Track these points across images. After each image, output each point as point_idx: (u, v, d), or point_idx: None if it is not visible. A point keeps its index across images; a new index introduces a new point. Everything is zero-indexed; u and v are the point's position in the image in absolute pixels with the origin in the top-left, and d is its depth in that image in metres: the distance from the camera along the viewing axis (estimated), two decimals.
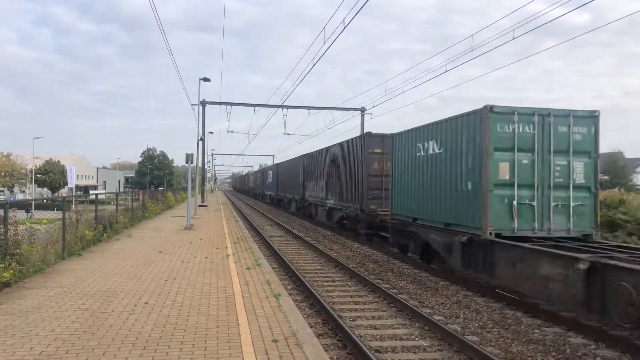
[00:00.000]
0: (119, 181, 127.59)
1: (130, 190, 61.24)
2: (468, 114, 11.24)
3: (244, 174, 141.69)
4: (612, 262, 7.67)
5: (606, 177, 54.61)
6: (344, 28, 14.40)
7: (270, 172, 54.01)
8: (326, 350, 6.60)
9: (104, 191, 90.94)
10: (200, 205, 37.23)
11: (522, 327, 8.57)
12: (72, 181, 67.65)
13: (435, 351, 7.38)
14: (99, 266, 11.30)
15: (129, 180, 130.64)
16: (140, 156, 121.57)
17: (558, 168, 10.64)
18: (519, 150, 10.47)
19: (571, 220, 10.64)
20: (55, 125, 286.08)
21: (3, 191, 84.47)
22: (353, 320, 8.87)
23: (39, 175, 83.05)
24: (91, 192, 72.65)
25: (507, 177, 10.41)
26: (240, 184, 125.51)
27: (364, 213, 19.84)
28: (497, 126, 10.42)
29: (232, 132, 47.39)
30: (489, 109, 10.41)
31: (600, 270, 7.65)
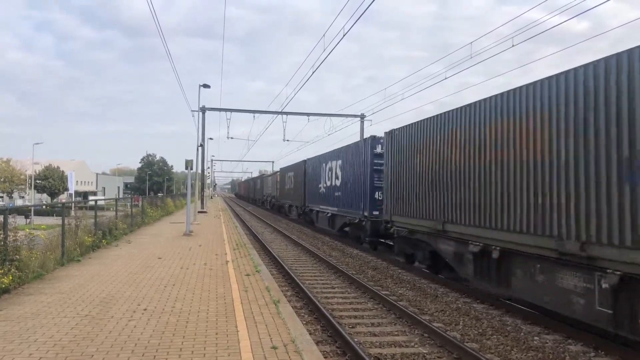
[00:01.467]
0: (119, 187, 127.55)
1: (129, 196, 61.23)
2: None
3: (243, 179, 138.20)
4: None
5: None
6: (344, 35, 14.46)
7: (332, 165, 24.94)
8: (325, 357, 6.59)
9: (103, 197, 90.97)
10: (199, 212, 37.20)
11: (522, 334, 8.56)
12: (72, 187, 67.63)
13: (434, 358, 7.37)
14: (98, 272, 11.28)
15: (129, 186, 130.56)
16: (140, 162, 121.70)
17: None
18: None
19: None
20: (55, 130, 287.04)
21: (2, 197, 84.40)
22: (352, 327, 8.86)
23: (38, 181, 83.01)
24: (90, 198, 72.67)
25: None
26: (247, 191, 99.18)
27: None
28: None
29: (231, 138, 47.81)
30: None
31: None
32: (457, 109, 11.52)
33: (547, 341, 8.17)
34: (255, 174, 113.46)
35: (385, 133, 16.31)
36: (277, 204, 48.47)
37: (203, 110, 40.65)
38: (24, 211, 46.57)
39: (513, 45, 15.01)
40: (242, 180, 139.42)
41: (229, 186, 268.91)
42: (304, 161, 32.73)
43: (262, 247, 20.29)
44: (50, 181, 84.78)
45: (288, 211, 41.35)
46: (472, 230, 10.62)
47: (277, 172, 48.14)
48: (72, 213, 17.85)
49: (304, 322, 8.64)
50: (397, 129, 15.13)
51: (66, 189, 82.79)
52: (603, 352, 7.63)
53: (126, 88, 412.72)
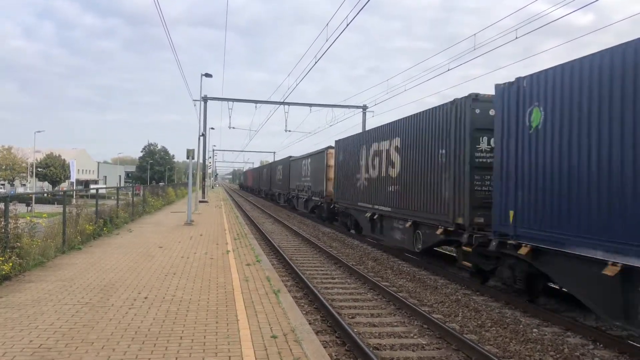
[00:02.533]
0: (120, 176, 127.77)
1: (130, 185, 60.78)
2: None
3: (245, 168, 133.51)
4: None
5: None
6: (347, 25, 14.32)
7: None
8: (325, 347, 6.61)
9: (104, 186, 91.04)
10: (200, 201, 37.26)
11: (521, 326, 8.57)
12: (73, 175, 67.71)
13: (433, 349, 7.39)
14: (99, 260, 11.31)
15: (130, 175, 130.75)
16: (141, 151, 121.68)
17: None
18: None
19: None
20: (56, 119, 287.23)
21: (4, 184, 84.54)
22: (352, 318, 8.88)
23: (39, 169, 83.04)
24: (92, 186, 72.75)
25: None
26: (258, 181, 73.40)
27: None
28: None
29: (233, 128, 47.88)
30: None
31: None
32: None
33: (546, 333, 8.19)
34: (257, 165, 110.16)
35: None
36: (329, 208, 27.18)
37: (205, 99, 40.54)
38: (25, 199, 46.72)
39: (517, 38, 14.82)
40: (250, 168, 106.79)
41: (230, 176, 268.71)
42: (453, 103, 12.36)
43: (262, 237, 20.32)
44: (52, 169, 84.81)
45: (374, 228, 18.87)
46: None
47: (325, 149, 28.26)
48: (74, 201, 17.89)
49: (304, 312, 8.67)
50: None
51: (67, 177, 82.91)
52: (602, 345, 7.65)
53: (128, 77, 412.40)
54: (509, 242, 9.76)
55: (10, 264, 8.91)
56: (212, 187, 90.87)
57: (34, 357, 5.26)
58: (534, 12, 62.02)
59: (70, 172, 71.59)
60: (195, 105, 39.07)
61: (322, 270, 13.55)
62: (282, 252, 15.68)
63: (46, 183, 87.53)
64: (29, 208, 47.06)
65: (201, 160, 40.14)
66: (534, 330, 8.39)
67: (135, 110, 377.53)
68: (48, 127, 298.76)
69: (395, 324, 8.64)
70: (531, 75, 9.32)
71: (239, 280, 9.55)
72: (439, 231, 12.80)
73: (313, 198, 31.11)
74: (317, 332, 7.41)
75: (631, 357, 7.17)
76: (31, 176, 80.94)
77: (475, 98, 11.55)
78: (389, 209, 16.69)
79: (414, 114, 15.05)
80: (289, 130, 44.95)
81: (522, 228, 9.39)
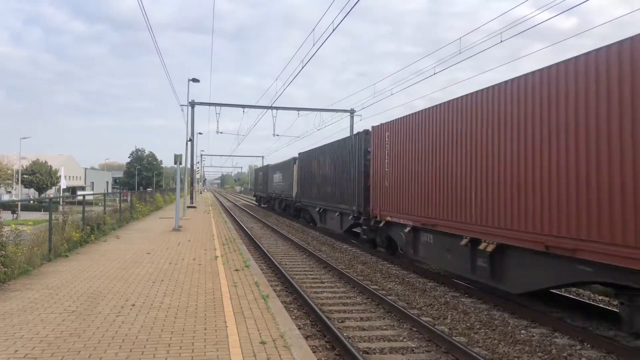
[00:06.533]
0: (107, 182, 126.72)
1: (118, 191, 60.16)
2: None
3: (253, 168, 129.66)
4: None
5: None
6: (334, 30, 14.42)
7: None
8: (314, 352, 6.60)
9: (91, 192, 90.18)
10: (189, 207, 37.05)
11: (509, 328, 8.63)
12: (63, 182, 66.89)
13: (423, 352, 7.41)
14: (86, 268, 11.20)
15: (117, 181, 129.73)
16: (129, 157, 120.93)
17: None
18: None
19: None
20: (43, 125, 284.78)
21: None
22: (342, 322, 8.88)
23: (25, 176, 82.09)
24: (79, 192, 72.03)
25: None
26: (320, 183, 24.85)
27: None
28: None
29: (221, 133, 47.56)
30: None
31: None
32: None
33: (534, 334, 8.25)
34: (245, 170, 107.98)
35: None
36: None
37: (192, 104, 40.41)
38: (10, 206, 46.09)
39: (502, 41, 15.04)
40: (300, 158, 32.14)
41: (219, 181, 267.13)
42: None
43: (251, 242, 20.26)
44: (38, 176, 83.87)
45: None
46: None
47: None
48: (60, 208, 17.70)
49: (293, 317, 8.65)
50: None
51: (54, 184, 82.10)
52: (589, 345, 7.73)
53: (116, 82, 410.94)
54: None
55: None
56: (201, 193, 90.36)
57: None
58: (518, 16, 62.72)
59: (56, 178, 70.92)
60: (182, 110, 38.87)
61: (311, 275, 13.53)
62: (270, 257, 15.63)
63: (32, 190, 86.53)
64: (15, 215, 46.46)
65: (189, 166, 39.97)
66: (522, 331, 8.45)
67: (123, 116, 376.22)
68: (35, 133, 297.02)
69: (385, 327, 8.65)
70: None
71: (228, 286, 9.50)
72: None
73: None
74: (306, 337, 7.40)
75: (618, 358, 7.24)
76: (17, 183, 79.95)
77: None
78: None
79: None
80: (277, 135, 44.97)
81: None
